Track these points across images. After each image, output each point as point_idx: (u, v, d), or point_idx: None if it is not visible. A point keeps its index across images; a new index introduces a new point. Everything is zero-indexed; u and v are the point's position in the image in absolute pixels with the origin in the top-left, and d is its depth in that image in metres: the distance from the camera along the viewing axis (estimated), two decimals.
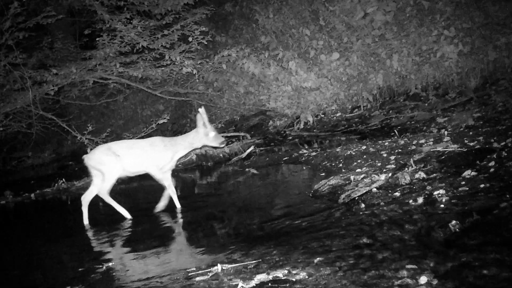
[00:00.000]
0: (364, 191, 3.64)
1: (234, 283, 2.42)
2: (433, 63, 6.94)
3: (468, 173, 3.42)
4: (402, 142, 5.06)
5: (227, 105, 9.02)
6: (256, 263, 2.65)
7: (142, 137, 6.68)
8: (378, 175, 3.91)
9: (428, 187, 3.38)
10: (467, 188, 3.16)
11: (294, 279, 2.36)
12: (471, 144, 4.20)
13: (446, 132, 4.95)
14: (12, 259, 3.77)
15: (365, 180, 3.89)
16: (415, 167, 3.88)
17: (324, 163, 5.20)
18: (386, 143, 5.18)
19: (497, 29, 6.62)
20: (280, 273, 2.45)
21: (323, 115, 7.86)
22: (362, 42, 7.42)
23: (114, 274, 2.95)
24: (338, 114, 7.75)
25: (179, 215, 4.30)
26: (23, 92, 7.65)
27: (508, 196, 2.82)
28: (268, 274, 2.46)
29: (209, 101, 9.10)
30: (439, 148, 4.28)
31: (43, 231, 4.59)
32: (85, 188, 6.48)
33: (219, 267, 2.65)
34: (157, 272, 2.86)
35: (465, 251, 2.32)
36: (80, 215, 4.38)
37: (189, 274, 2.68)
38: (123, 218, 4.34)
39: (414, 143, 4.86)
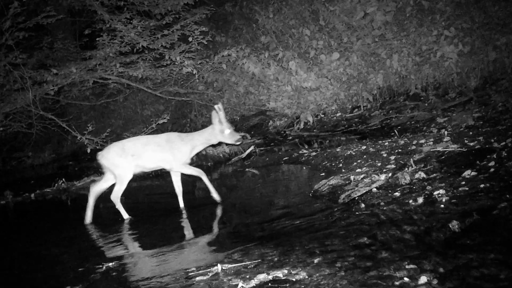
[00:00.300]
0: (364, 191, 3.64)
1: (234, 283, 2.42)
2: (433, 63, 6.94)
3: (468, 173, 3.42)
4: (402, 142, 5.06)
5: (227, 105, 9.00)
6: (256, 263, 2.65)
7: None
8: (378, 175, 3.91)
9: (428, 187, 3.38)
10: (467, 188, 3.15)
11: (294, 279, 2.36)
12: (471, 144, 4.19)
13: (446, 132, 4.95)
14: (12, 259, 3.77)
15: (365, 180, 3.89)
16: (415, 167, 3.88)
17: (324, 163, 5.20)
18: (386, 143, 5.18)
19: (497, 29, 6.62)
20: (280, 273, 2.45)
21: (323, 115, 7.86)
22: (362, 42, 7.42)
23: (114, 274, 2.95)
24: (338, 114, 7.75)
25: (179, 215, 4.30)
26: (23, 92, 7.65)
27: (508, 196, 2.82)
28: (268, 274, 2.46)
29: (209, 101, 9.09)
30: (439, 148, 4.28)
31: (43, 231, 4.58)
32: (85, 188, 6.53)
33: (219, 267, 2.65)
34: (157, 272, 2.86)
35: (465, 251, 2.32)
36: (79, 215, 4.37)
37: (189, 274, 2.68)
38: (123, 218, 4.33)
39: (414, 143, 4.86)
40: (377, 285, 2.15)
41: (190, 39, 7.83)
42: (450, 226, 2.62)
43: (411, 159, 4.10)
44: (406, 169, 3.88)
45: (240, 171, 6.04)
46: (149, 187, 5.98)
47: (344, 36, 7.61)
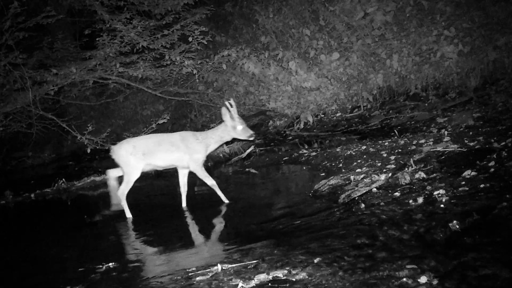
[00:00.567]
0: (364, 191, 3.64)
1: (234, 283, 2.42)
2: (433, 63, 6.94)
3: (468, 173, 3.42)
4: (402, 142, 5.06)
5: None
6: (256, 263, 2.65)
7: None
8: (378, 175, 3.91)
9: (428, 187, 3.38)
10: (467, 188, 3.15)
11: (294, 279, 2.36)
12: (471, 144, 4.19)
13: (446, 132, 4.95)
14: (12, 259, 3.77)
15: (365, 180, 3.89)
16: (415, 167, 3.88)
17: (324, 163, 5.20)
18: (386, 143, 5.18)
19: (497, 29, 6.61)
20: (280, 273, 2.45)
21: (323, 115, 7.86)
22: (362, 42, 7.42)
23: (114, 274, 2.95)
24: (338, 114, 7.75)
25: (180, 215, 4.30)
26: (23, 92, 7.65)
27: (508, 196, 2.82)
28: (268, 274, 2.46)
29: (209, 101, 9.09)
30: (439, 148, 4.28)
31: (43, 231, 4.59)
32: (85, 188, 6.55)
33: (219, 267, 2.65)
34: (157, 272, 2.86)
35: (465, 251, 2.32)
36: (79, 215, 4.38)
37: (189, 274, 2.68)
38: (123, 218, 4.33)
39: (414, 143, 4.86)
40: (377, 285, 2.15)
41: (190, 39, 7.83)
42: (450, 226, 2.62)
43: (411, 159, 4.10)
44: (406, 169, 3.88)
45: (240, 171, 6.04)
46: (149, 187, 5.98)
47: (344, 36, 7.61)
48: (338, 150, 5.49)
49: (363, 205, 3.40)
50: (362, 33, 7.43)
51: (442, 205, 2.99)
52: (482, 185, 3.12)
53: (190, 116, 9.58)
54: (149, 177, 6.37)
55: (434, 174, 3.65)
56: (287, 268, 2.50)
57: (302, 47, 8.06)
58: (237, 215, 4.04)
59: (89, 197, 6.13)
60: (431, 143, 4.64)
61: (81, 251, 3.66)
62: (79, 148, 9.48)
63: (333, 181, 4.13)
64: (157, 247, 3.43)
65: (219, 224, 3.98)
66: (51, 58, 8.89)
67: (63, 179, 6.71)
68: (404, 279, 2.15)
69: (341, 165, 4.86)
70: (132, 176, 4.26)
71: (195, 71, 7.99)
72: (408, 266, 2.25)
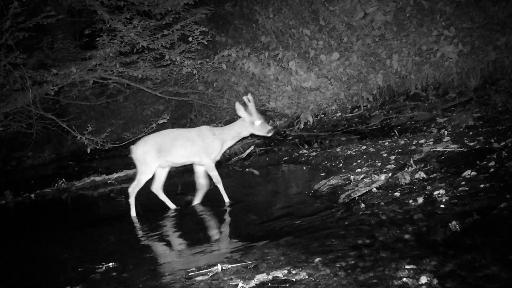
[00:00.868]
0: (364, 191, 3.64)
1: (234, 283, 2.42)
2: (433, 63, 6.94)
3: (468, 173, 3.42)
4: (402, 142, 5.06)
5: (227, 105, 9.00)
6: (256, 263, 2.65)
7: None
8: (378, 175, 3.91)
9: (428, 187, 3.38)
10: (467, 188, 3.16)
11: (294, 279, 2.36)
12: (471, 144, 4.19)
13: (446, 132, 4.95)
14: (12, 259, 3.77)
15: (365, 180, 3.89)
16: (415, 167, 3.88)
17: (324, 163, 5.20)
18: (386, 143, 5.18)
19: (497, 29, 6.61)
20: (280, 273, 2.45)
21: (323, 115, 7.86)
22: (362, 42, 7.42)
23: (114, 274, 2.95)
24: (338, 114, 7.75)
25: (180, 215, 4.30)
26: (23, 92, 7.64)
27: (508, 196, 2.82)
28: (268, 274, 2.46)
29: (209, 101, 9.09)
30: (439, 148, 4.28)
31: (43, 231, 4.59)
32: (85, 188, 6.55)
33: (219, 267, 2.65)
34: (157, 272, 2.86)
35: (465, 251, 2.32)
36: (79, 215, 4.37)
37: (189, 274, 2.68)
38: (123, 218, 4.33)
39: (414, 143, 4.86)
40: (377, 285, 2.15)
41: (190, 39, 7.82)
42: (450, 226, 2.62)
43: (411, 159, 4.10)
44: (406, 169, 3.88)
45: (240, 171, 6.04)
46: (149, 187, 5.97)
47: (344, 36, 7.60)
48: (338, 150, 5.49)
49: (363, 205, 3.40)
50: (362, 33, 7.43)
51: (442, 205, 2.99)
52: (482, 185, 3.12)
53: (190, 116, 9.57)
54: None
55: (434, 174, 3.65)
56: (287, 268, 2.50)
57: (302, 47, 8.06)
58: (237, 215, 4.04)
59: (89, 197, 6.13)
60: (431, 143, 4.64)
61: (81, 251, 3.66)
62: (79, 148, 9.49)
63: (333, 181, 4.13)
64: (157, 247, 3.42)
65: (219, 224, 3.98)
66: (51, 58, 8.88)
67: (63, 179, 6.72)
68: (404, 279, 2.15)
69: (341, 165, 4.86)
70: (144, 175, 4.28)
71: (195, 71, 7.99)
72: (408, 266, 2.25)
